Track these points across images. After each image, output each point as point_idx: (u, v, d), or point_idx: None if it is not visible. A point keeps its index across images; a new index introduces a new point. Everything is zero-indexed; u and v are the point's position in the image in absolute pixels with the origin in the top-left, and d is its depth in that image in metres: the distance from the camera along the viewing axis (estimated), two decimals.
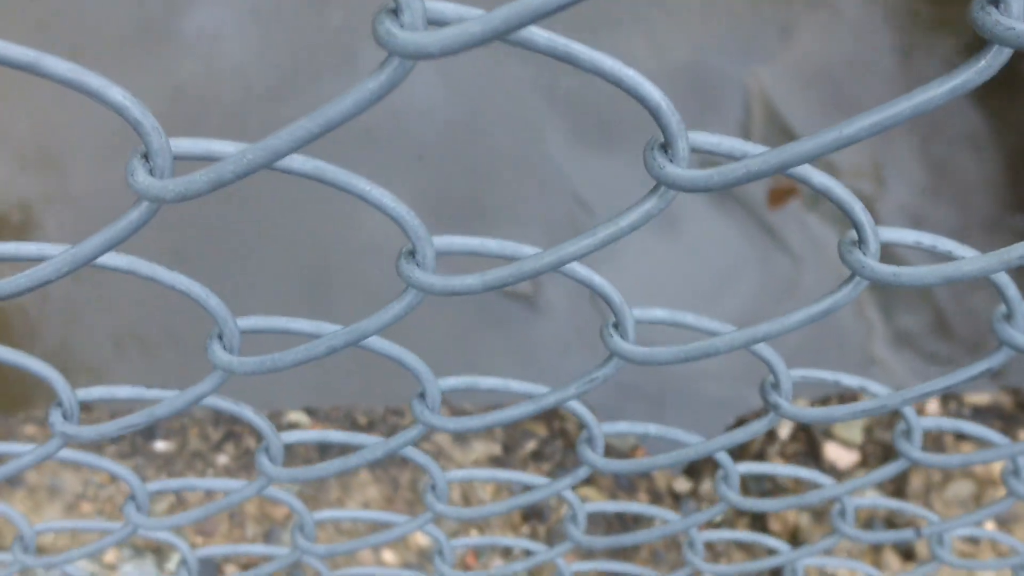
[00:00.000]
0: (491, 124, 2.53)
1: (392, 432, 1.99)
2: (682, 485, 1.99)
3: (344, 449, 1.95)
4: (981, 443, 0.88)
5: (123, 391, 0.68)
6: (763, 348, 0.66)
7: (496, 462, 2.00)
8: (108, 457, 2.00)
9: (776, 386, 0.67)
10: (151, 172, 0.42)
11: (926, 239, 0.56)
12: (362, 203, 0.49)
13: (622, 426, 0.77)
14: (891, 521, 1.86)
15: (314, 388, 2.38)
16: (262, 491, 0.74)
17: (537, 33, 0.38)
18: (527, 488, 0.80)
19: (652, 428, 0.78)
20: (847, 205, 0.51)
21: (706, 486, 1.97)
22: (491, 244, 0.54)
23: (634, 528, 1.83)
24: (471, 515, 0.76)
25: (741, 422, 2.19)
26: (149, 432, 2.02)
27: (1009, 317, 0.59)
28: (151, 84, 2.38)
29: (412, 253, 0.51)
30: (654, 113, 0.44)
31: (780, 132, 2.62)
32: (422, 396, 0.67)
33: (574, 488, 0.79)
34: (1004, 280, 0.57)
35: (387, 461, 1.94)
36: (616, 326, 0.59)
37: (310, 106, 0.40)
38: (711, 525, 1.72)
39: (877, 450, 1.93)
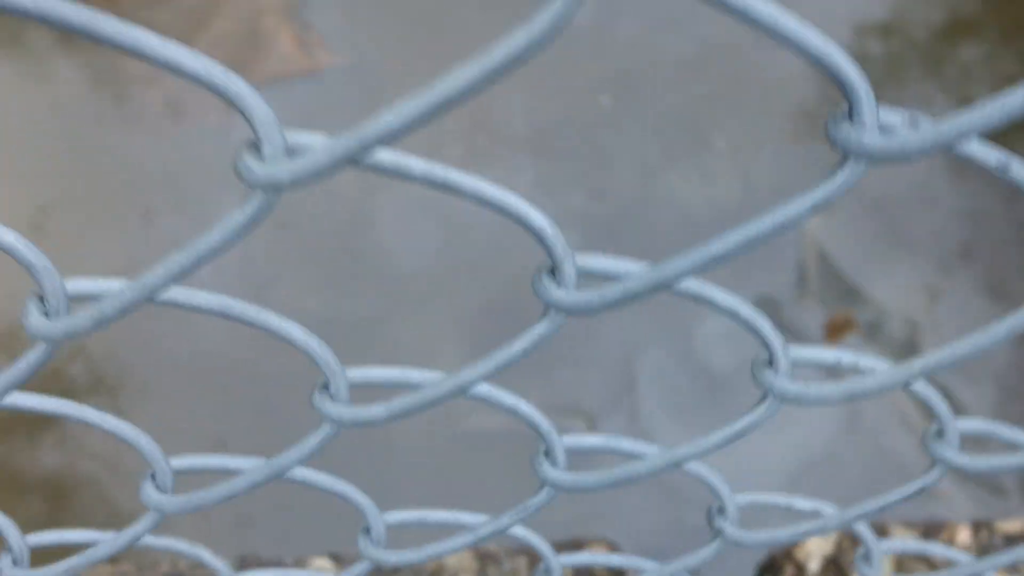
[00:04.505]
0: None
1: None
2: None
3: None
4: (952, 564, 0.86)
5: (75, 535, 0.68)
6: (707, 472, 0.65)
7: None
8: None
9: (722, 511, 0.66)
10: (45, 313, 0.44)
11: (846, 357, 0.56)
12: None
13: (583, 558, 0.76)
14: None
15: (341, 530, 2.34)
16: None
17: (389, 158, 0.39)
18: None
19: (616, 559, 0.77)
20: (753, 324, 0.51)
21: None
22: (413, 374, 0.55)
23: None
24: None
25: (773, 561, 2.13)
26: None
27: (940, 434, 0.58)
28: None
29: (326, 386, 0.52)
30: (539, 237, 0.45)
31: (834, 275, 2.60)
32: (367, 531, 0.67)
33: None
34: (928, 394, 0.57)
35: None
36: (547, 453, 0.59)
37: None
38: None
39: None
